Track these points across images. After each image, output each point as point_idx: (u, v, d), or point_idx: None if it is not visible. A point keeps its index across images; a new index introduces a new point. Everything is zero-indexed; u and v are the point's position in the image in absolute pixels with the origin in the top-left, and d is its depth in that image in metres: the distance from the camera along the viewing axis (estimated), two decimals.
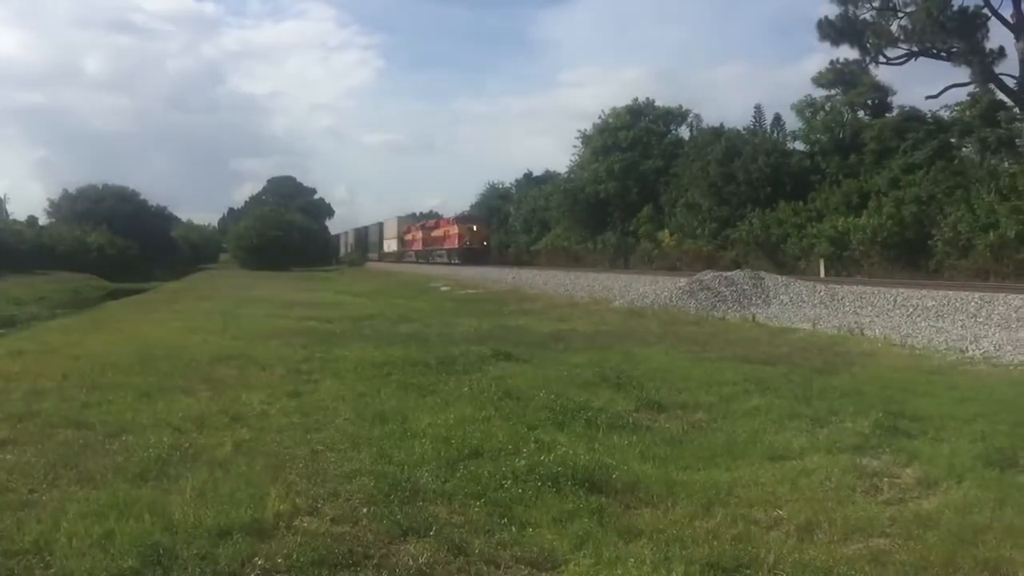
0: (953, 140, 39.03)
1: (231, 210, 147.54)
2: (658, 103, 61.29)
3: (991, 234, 27.10)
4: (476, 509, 5.35)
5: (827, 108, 45.33)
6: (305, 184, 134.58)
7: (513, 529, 5.03)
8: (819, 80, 44.59)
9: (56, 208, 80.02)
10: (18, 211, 79.32)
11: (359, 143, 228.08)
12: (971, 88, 38.61)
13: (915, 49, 39.81)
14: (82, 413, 8.09)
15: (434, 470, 6.13)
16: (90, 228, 67.91)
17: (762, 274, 22.80)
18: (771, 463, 6.50)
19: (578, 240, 57.20)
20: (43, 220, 77.46)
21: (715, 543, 4.83)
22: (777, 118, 52.75)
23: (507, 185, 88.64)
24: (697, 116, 59.94)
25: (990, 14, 37.13)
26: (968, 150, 38.57)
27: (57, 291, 41.64)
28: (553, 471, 5.96)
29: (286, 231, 79.06)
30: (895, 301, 17.51)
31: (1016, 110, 36.87)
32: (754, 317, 18.10)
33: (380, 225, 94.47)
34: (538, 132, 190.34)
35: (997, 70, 37.34)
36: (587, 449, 6.74)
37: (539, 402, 8.63)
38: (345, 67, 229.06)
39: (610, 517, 5.27)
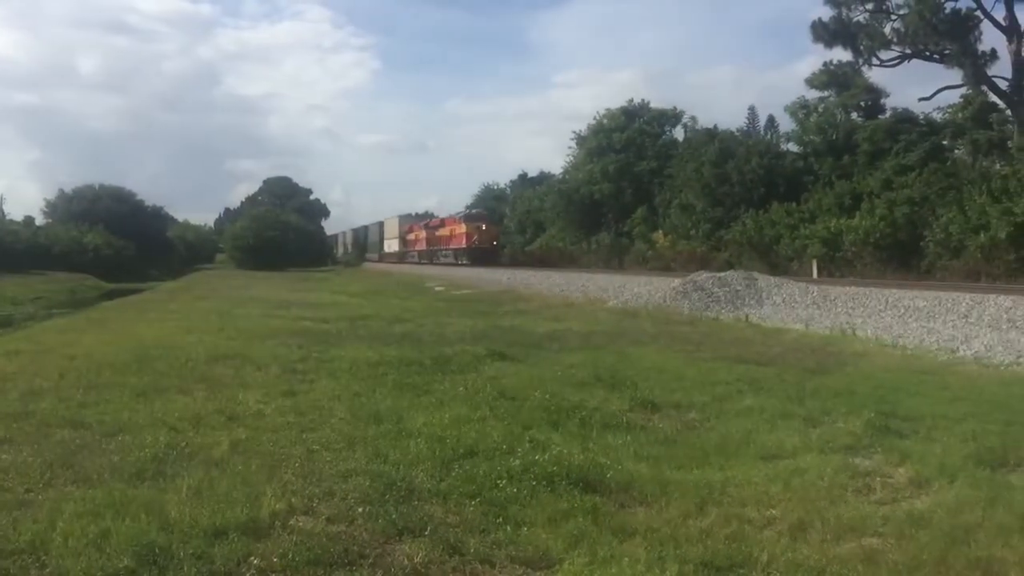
0: (945, 142, 39.23)
1: (227, 210, 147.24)
2: (652, 105, 61.47)
3: (982, 235, 27.20)
4: (471, 508, 5.37)
5: (820, 110, 45.53)
6: (301, 185, 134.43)
7: (508, 528, 5.05)
8: (812, 82, 44.77)
9: (52, 208, 79.96)
10: (14, 211, 79.03)
11: (355, 144, 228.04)
12: (963, 90, 38.85)
13: (908, 51, 39.99)
14: (78, 413, 8.09)
15: (429, 470, 6.16)
16: (86, 228, 67.86)
17: (755, 275, 22.85)
18: (764, 463, 6.54)
19: (573, 241, 57.26)
20: (39, 220, 77.47)
21: (709, 542, 4.86)
22: (771, 120, 53.09)
23: (502, 186, 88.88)
24: (693, 118, 60.12)
25: (982, 16, 37.35)
26: (960, 152, 38.76)
27: (53, 291, 41.65)
28: (548, 471, 5.99)
29: (282, 231, 78.99)
30: (887, 302, 17.58)
31: (1008, 112, 37.02)
32: (747, 317, 18.15)
33: (380, 224, 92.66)
34: (533, 133, 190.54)
35: (989, 72, 37.57)
36: (581, 449, 6.77)
37: (534, 402, 8.66)
38: (340, 68, 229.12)
39: (604, 516, 5.29)
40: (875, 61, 41.38)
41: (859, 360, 12.23)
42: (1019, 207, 26.71)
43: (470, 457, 6.50)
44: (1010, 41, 36.55)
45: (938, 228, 29.42)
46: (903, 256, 30.81)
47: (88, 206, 75.49)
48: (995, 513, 5.28)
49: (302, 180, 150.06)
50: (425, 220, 76.67)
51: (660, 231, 46.84)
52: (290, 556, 4.58)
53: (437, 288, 36.04)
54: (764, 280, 22.01)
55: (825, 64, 43.50)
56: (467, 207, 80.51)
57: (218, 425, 7.69)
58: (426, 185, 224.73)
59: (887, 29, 40.19)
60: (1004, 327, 14.15)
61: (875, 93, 43.65)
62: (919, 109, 41.73)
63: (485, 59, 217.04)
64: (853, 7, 40.54)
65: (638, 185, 54.28)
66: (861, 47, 40.79)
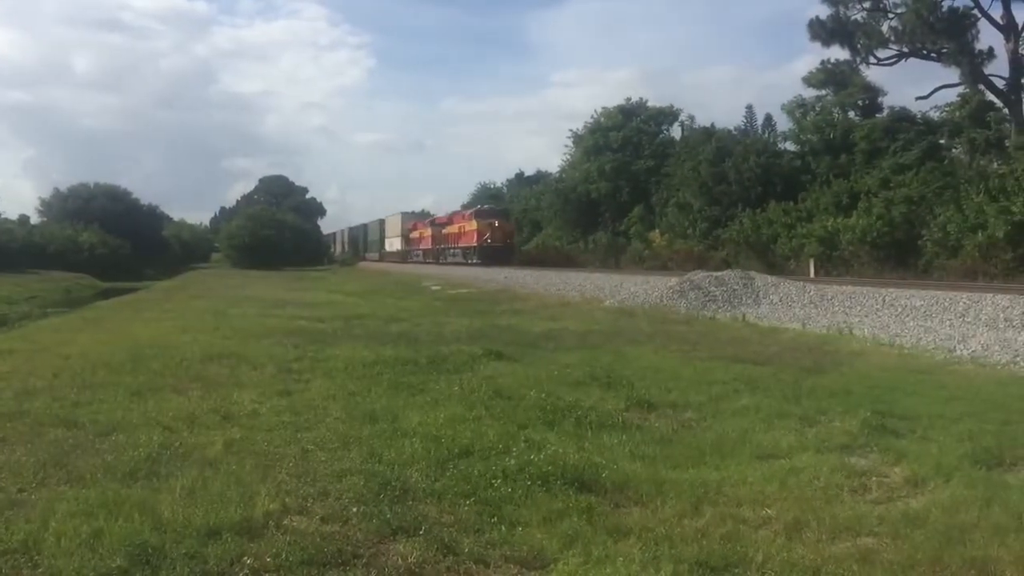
0: (943, 141, 39.29)
1: (223, 209, 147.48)
2: (649, 103, 61.50)
3: (980, 234, 27.23)
4: (466, 508, 5.36)
5: (817, 108, 45.58)
6: (297, 183, 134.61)
7: (503, 528, 5.04)
8: (810, 80, 44.83)
9: (47, 207, 79.93)
10: (9, 210, 79.01)
11: (351, 142, 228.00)
12: (961, 89, 38.93)
13: (905, 50, 40.09)
14: (72, 412, 8.07)
15: (424, 469, 6.14)
16: (81, 227, 67.77)
17: (752, 274, 22.84)
18: (760, 462, 6.53)
19: (569, 240, 57.28)
20: (34, 219, 77.46)
21: (704, 542, 4.85)
22: (768, 118, 53.11)
23: (499, 185, 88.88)
24: (690, 117, 60.16)
25: (980, 15, 37.41)
26: (958, 151, 38.82)
27: (48, 290, 41.57)
28: (543, 470, 5.97)
29: (278, 230, 78.96)
30: (884, 301, 17.57)
31: (1005, 111, 37.07)
32: (744, 317, 18.14)
33: (381, 222, 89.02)
34: (530, 132, 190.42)
35: (987, 71, 37.67)
36: (577, 448, 6.76)
37: (529, 401, 8.64)
38: (336, 66, 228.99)
39: (599, 516, 5.28)
40: (872, 60, 41.54)
41: (856, 359, 12.23)
42: (1017, 206, 26.74)
43: (465, 457, 6.49)
44: (1007, 40, 36.62)
45: (935, 227, 29.45)
46: (900, 255, 30.83)
47: (83, 205, 75.47)
48: (991, 513, 5.27)
49: (298, 179, 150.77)
50: (431, 217, 72.85)
51: (657, 230, 46.89)
52: (284, 556, 4.56)
53: (434, 287, 36.01)
54: (761, 279, 21.99)
55: (822, 63, 43.63)
56: (463, 206, 78.56)
57: (212, 425, 7.68)
58: (422, 184, 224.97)
59: (884, 28, 40.33)
60: (1001, 326, 14.15)
61: (872, 92, 43.73)
62: (916, 108, 41.90)
63: (482, 58, 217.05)
64: (851, 6, 40.67)
65: (635, 184, 54.32)
66: (858, 46, 40.89)
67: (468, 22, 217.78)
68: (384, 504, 5.38)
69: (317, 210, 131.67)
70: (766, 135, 51.34)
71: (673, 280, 23.49)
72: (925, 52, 39.43)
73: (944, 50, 38.09)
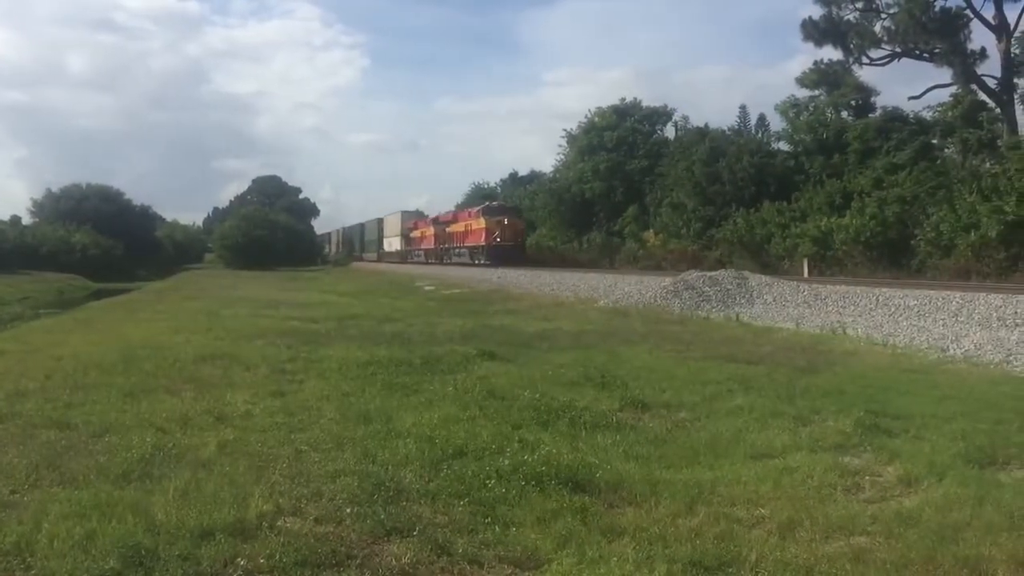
0: (935, 141, 39.38)
1: (216, 210, 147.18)
2: (643, 103, 61.57)
3: (973, 234, 27.34)
4: (460, 509, 5.36)
5: (811, 108, 45.69)
6: (290, 184, 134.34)
7: (497, 528, 5.04)
8: (803, 81, 44.91)
9: (39, 208, 79.81)
10: (1, 211, 78.99)
11: (344, 143, 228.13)
12: (953, 89, 39.02)
13: (898, 50, 40.19)
14: (65, 413, 8.05)
15: (418, 470, 6.14)
16: (74, 228, 67.66)
17: (746, 274, 22.87)
18: (754, 462, 6.54)
19: (564, 240, 57.27)
20: (26, 220, 77.26)
21: (698, 542, 4.85)
22: (761, 119, 53.21)
23: (492, 185, 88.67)
24: (684, 117, 60.23)
25: (972, 15, 37.50)
26: (950, 150, 38.92)
27: (40, 291, 41.52)
28: (537, 470, 5.97)
29: (271, 231, 78.87)
30: (877, 301, 17.61)
31: (997, 111, 37.17)
32: (738, 317, 18.16)
33: (379, 221, 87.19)
34: (523, 132, 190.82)
35: (979, 71, 37.75)
36: (571, 448, 6.75)
37: (523, 401, 8.64)
38: (330, 66, 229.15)
39: (593, 516, 5.28)
40: (865, 60, 41.65)
41: (849, 359, 12.25)
42: (1009, 206, 26.86)
43: (459, 457, 6.49)
44: (999, 40, 36.73)
45: (928, 227, 29.56)
46: (893, 255, 30.93)
47: (75, 205, 75.35)
48: (984, 511, 5.28)
49: (291, 179, 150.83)
50: (434, 215, 69.39)
51: (651, 230, 46.95)
52: (277, 557, 4.55)
53: (427, 287, 35.99)
54: (755, 279, 22.02)
55: (815, 63, 43.71)
56: (457, 206, 77.94)
57: (206, 426, 7.66)
58: (416, 184, 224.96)
59: (877, 28, 40.44)
60: (994, 325, 14.19)
61: (865, 92, 43.84)
62: (909, 108, 42.01)
63: (476, 57, 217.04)
64: (843, 6, 40.77)
65: (629, 184, 54.37)
66: (851, 46, 40.98)
67: (462, 21, 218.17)
68: (378, 505, 5.37)
69: (310, 210, 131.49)
70: (760, 135, 51.44)
71: (667, 280, 23.50)
72: (918, 52, 39.53)
73: (936, 50, 38.20)
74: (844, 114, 44.75)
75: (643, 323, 17.56)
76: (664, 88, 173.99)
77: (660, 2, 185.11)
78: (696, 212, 43.77)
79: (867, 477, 6.19)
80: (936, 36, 37.67)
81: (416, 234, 70.08)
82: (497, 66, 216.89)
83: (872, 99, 44.05)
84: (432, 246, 63.18)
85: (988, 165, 34.22)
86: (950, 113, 39.24)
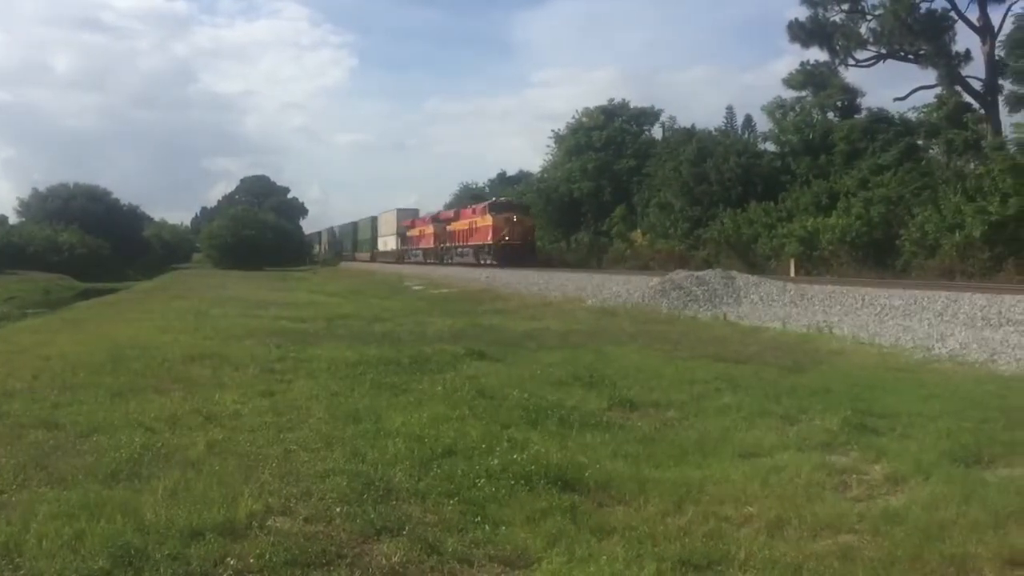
0: (920, 142, 39.54)
1: (204, 209, 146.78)
2: (631, 104, 61.65)
3: (957, 234, 27.51)
4: (449, 508, 5.37)
5: (797, 109, 45.77)
6: (278, 183, 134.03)
7: (486, 527, 5.05)
8: (789, 82, 45.00)
9: (26, 207, 79.48)
10: None
11: (332, 142, 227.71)
12: (938, 90, 39.17)
13: (883, 51, 40.37)
14: (53, 413, 8.02)
15: (407, 469, 6.14)
16: (61, 227, 67.32)
17: (733, 273, 22.95)
18: (742, 460, 6.57)
19: (551, 240, 57.24)
20: (13, 219, 76.91)
21: (686, 540, 4.88)
22: (748, 119, 53.33)
23: (481, 185, 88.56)
24: (672, 117, 60.33)
25: (957, 17, 37.71)
26: (935, 151, 39.08)
27: (27, 291, 41.27)
28: (526, 469, 5.99)
29: (259, 230, 78.73)
30: (863, 300, 17.70)
31: (982, 112, 37.39)
32: (725, 316, 18.23)
33: (373, 220, 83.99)
34: (511, 133, 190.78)
35: (963, 73, 37.93)
36: (560, 447, 6.78)
37: (512, 401, 8.66)
38: (318, 66, 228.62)
39: (583, 515, 5.30)
40: (851, 61, 41.78)
41: (836, 358, 12.32)
42: (993, 206, 27.02)
43: (448, 456, 6.50)
44: (983, 42, 36.93)
45: (914, 227, 29.72)
46: (879, 255, 31.08)
47: (62, 205, 75.04)
48: (969, 510, 5.33)
49: (280, 179, 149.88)
50: (433, 213, 65.80)
51: (639, 230, 47.00)
52: (267, 557, 4.55)
53: (416, 287, 35.99)
54: (742, 279, 22.10)
55: (802, 64, 43.81)
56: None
57: (195, 425, 7.64)
58: (405, 184, 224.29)
59: (863, 29, 40.58)
60: (979, 325, 14.29)
61: (851, 93, 43.96)
62: (894, 109, 42.15)
63: (464, 58, 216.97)
64: (829, 7, 40.90)
65: (617, 184, 54.41)
66: (837, 47, 41.12)
67: (450, 22, 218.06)
68: (367, 504, 5.38)
69: (299, 210, 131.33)
70: (746, 136, 51.58)
71: (655, 280, 23.55)
72: (903, 54, 39.70)
73: (921, 52, 38.38)
74: (830, 115, 44.86)
75: (631, 323, 17.61)
76: (651, 89, 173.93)
77: (647, 3, 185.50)
78: (683, 212, 43.86)
79: (854, 476, 6.24)
80: (921, 38, 37.85)
81: (413, 233, 66.73)
82: (486, 66, 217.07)
83: (858, 100, 44.20)
84: (431, 245, 59.91)
85: (972, 166, 34.40)
86: (935, 114, 39.40)
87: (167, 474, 5.97)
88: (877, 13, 39.50)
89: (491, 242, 45.69)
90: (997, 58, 36.42)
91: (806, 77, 43.78)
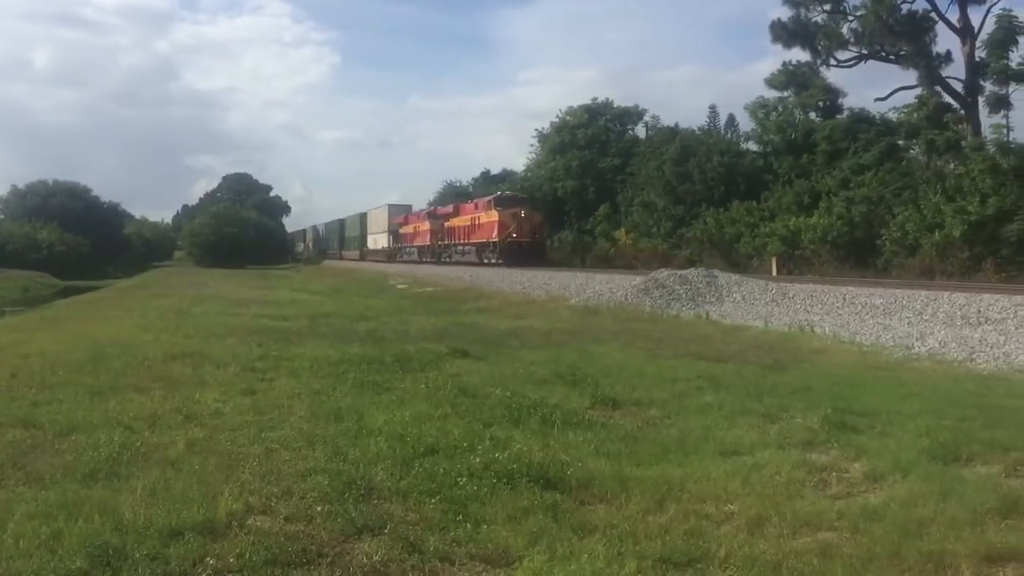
0: (901, 142, 39.77)
1: (186, 207, 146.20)
2: (615, 103, 61.72)
3: (937, 234, 27.73)
4: (431, 506, 5.36)
5: (779, 109, 45.96)
6: (261, 181, 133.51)
7: (468, 526, 5.04)
8: (772, 82, 45.14)
9: (4, 204, 78.90)
10: None
11: (315, 140, 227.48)
12: (919, 91, 39.40)
13: (864, 52, 40.57)
14: (31, 412, 7.95)
15: (389, 468, 6.13)
16: (40, 225, 66.78)
17: (716, 272, 23.03)
18: (723, 459, 6.59)
19: None
20: None
21: (667, 538, 4.89)
22: (731, 119, 53.48)
23: (465, 184, 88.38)
24: (655, 116, 60.45)
25: (937, 19, 37.94)
26: (915, 151, 39.32)
27: (6, 289, 40.95)
28: (508, 468, 5.98)
29: (242, 228, 78.36)
30: (844, 299, 17.81)
31: (962, 112, 37.66)
32: (707, 315, 18.29)
33: (361, 216, 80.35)
34: (495, 131, 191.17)
35: (944, 74, 38.15)
36: (542, 446, 6.78)
37: (495, 399, 8.66)
38: (301, 63, 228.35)
39: (564, 513, 5.31)
40: (833, 62, 41.94)
41: (817, 357, 12.39)
42: (972, 206, 27.27)
43: (430, 455, 6.49)
44: (964, 43, 37.18)
45: (894, 227, 29.92)
46: (860, 254, 31.27)
47: (42, 202, 74.44)
48: (947, 507, 5.37)
49: (262, 176, 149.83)
50: (429, 208, 62.01)
51: (622, 229, 47.05)
52: (247, 556, 4.53)
53: (400, 286, 35.93)
54: (724, 278, 22.19)
55: (784, 64, 43.95)
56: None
57: (175, 424, 7.60)
58: (389, 182, 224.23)
59: (844, 30, 40.75)
60: (958, 324, 14.40)
61: (833, 93, 44.19)
62: (875, 109, 42.39)
63: (448, 56, 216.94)
64: (811, 8, 41.04)
65: (601, 182, 54.43)
66: (819, 47, 41.29)
67: (434, 19, 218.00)
68: (349, 503, 5.36)
69: (281, 208, 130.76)
70: (729, 135, 51.73)
71: (638, 279, 23.61)
72: (884, 54, 39.93)
73: (902, 52, 38.60)
74: (812, 115, 45.09)
75: (614, 321, 17.64)
76: (634, 88, 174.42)
77: (631, 2, 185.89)
78: (667, 211, 43.97)
79: (834, 473, 6.27)
80: (902, 39, 38.07)
81: (407, 230, 63.02)
82: (470, 65, 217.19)
83: (839, 100, 44.43)
84: (427, 243, 56.15)
85: (952, 166, 34.61)
86: (915, 115, 39.64)
87: (146, 473, 5.93)
88: (859, 14, 39.70)
89: (496, 240, 42.17)
90: (977, 59, 36.69)
91: (788, 77, 43.94)
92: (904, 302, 16.42)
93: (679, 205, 43.33)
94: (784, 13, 41.50)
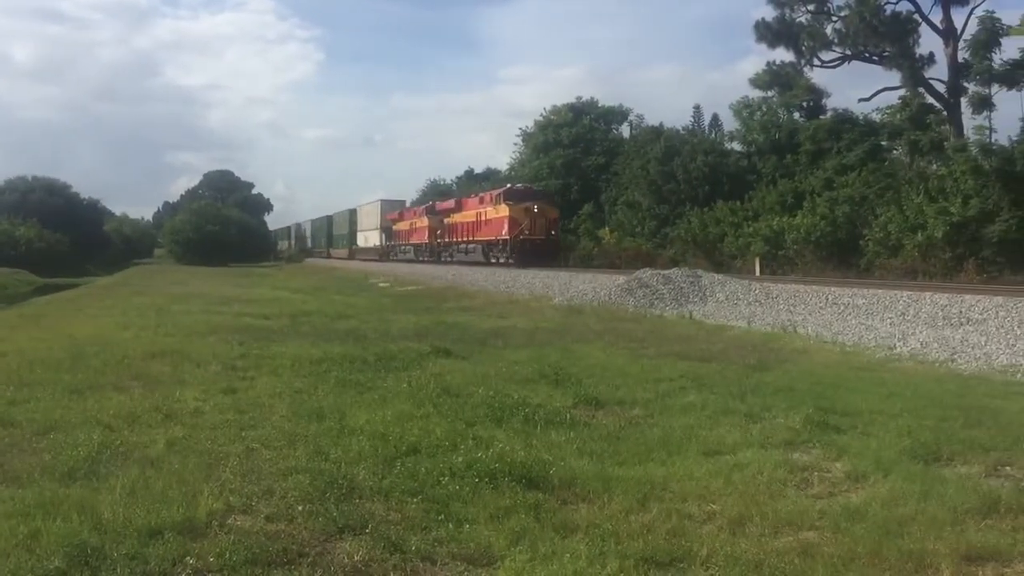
0: (884, 142, 40.05)
1: (166, 204, 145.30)
2: (600, 103, 61.86)
3: (919, 234, 27.92)
4: (413, 506, 5.33)
5: (763, 109, 46.19)
6: (243, 179, 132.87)
7: (450, 526, 5.02)
8: (756, 81, 45.38)
9: None
10: None
11: (298, 138, 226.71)
12: (902, 92, 39.69)
13: (848, 53, 40.84)
14: (8, 411, 7.88)
15: (371, 467, 6.10)
16: (19, 221, 66.24)
17: (699, 272, 23.09)
18: (705, 458, 6.59)
19: None
20: None
21: (650, 537, 4.89)
22: (715, 118, 53.75)
23: (448, 182, 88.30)
24: (639, 116, 60.63)
25: (920, 20, 38.23)
26: (898, 152, 39.59)
27: None
28: (491, 467, 5.97)
29: (223, 226, 77.78)
30: (827, 299, 17.89)
31: (944, 113, 37.94)
32: (691, 314, 18.32)
33: (351, 212, 77.14)
34: (478, 129, 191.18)
35: (927, 75, 38.46)
36: (525, 445, 6.76)
37: (477, 399, 8.64)
38: (284, 60, 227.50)
39: (547, 513, 5.29)
40: (816, 62, 42.22)
41: (799, 357, 12.43)
42: (955, 207, 27.47)
43: (413, 454, 6.47)
44: (946, 44, 37.48)
45: (877, 227, 30.11)
46: (843, 254, 31.45)
47: (20, 198, 73.92)
48: (928, 506, 5.39)
49: (244, 174, 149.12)
50: (428, 203, 57.88)
51: (606, 228, 47.14)
52: (227, 556, 4.49)
53: (381, 284, 35.83)
54: (708, 277, 22.25)
55: (768, 64, 44.18)
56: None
57: (154, 423, 7.54)
58: (372, 180, 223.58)
59: (828, 30, 41.04)
60: (940, 324, 14.48)
61: (816, 93, 44.49)
62: (859, 110, 42.71)
63: (432, 53, 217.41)
64: (796, 8, 41.29)
65: (585, 181, 54.53)
66: (803, 48, 41.54)
67: (418, 17, 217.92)
68: (330, 502, 5.33)
69: (264, 206, 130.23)
70: (713, 135, 51.99)
71: (621, 278, 23.63)
72: (867, 55, 40.22)
73: (886, 53, 38.89)
74: (796, 115, 45.38)
75: (597, 321, 17.64)
76: (618, 87, 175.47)
77: (616, 1, 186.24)
78: (651, 210, 44.10)
79: (816, 473, 6.28)
80: (885, 40, 38.34)
81: (402, 226, 59.57)
82: (453, 63, 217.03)
83: (823, 101, 44.78)
84: (425, 240, 52.63)
85: (935, 167, 34.89)
86: (898, 116, 39.93)
87: (126, 472, 5.88)
88: (843, 14, 39.97)
89: (507, 237, 38.46)
90: (960, 61, 36.97)
91: (772, 77, 44.17)
92: (886, 302, 16.51)
93: (663, 204, 43.45)
94: (768, 13, 41.81)
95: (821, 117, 43.26)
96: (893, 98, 40.51)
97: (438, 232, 50.32)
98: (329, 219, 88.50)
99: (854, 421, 7.79)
